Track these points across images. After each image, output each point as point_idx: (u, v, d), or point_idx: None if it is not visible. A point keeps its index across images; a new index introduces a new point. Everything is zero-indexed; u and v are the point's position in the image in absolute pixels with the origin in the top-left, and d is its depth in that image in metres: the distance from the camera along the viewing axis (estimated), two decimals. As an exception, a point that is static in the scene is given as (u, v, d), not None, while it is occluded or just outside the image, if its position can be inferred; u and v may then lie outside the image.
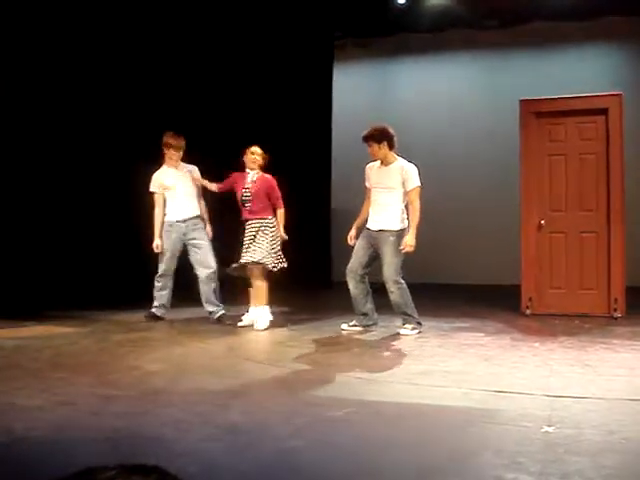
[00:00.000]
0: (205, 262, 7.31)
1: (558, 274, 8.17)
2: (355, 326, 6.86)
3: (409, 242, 6.55)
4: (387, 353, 5.87)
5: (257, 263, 6.93)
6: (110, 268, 8.81)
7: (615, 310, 7.77)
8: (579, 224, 8.11)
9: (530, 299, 8.08)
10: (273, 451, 3.22)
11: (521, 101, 8.33)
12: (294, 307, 7.24)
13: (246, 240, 7.05)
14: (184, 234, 7.41)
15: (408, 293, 6.70)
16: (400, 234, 6.65)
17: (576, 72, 11.16)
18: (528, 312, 8.02)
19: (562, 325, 7.27)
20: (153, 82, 9.28)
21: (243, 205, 7.15)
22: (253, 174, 7.21)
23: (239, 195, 7.17)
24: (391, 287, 6.62)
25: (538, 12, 11.06)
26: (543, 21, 11.36)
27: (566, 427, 3.52)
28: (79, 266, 8.49)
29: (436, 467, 3.04)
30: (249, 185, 7.15)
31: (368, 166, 6.97)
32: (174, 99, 9.34)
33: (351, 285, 6.86)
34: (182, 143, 7.44)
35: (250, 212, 7.12)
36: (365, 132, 6.78)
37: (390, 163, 6.75)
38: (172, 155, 7.44)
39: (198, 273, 7.32)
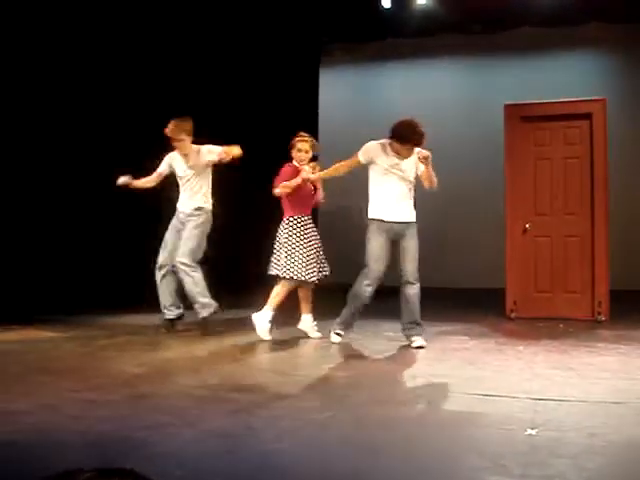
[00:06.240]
0: None
1: (543, 278, 8.22)
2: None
3: None
4: (370, 356, 5.89)
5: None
6: (99, 272, 8.78)
7: (599, 314, 7.83)
8: (564, 228, 8.16)
9: (515, 303, 8.12)
10: (257, 454, 3.23)
11: (506, 106, 8.38)
12: (284, 309, 7.22)
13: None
14: None
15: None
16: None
17: (561, 77, 11.24)
18: (513, 316, 8.06)
19: (546, 329, 7.31)
20: (143, 88, 9.24)
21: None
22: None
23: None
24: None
25: (523, 18, 11.14)
26: (528, 27, 11.44)
27: (549, 430, 3.54)
28: (67, 270, 8.45)
29: (419, 470, 3.05)
30: None
31: None
32: (162, 105, 9.32)
33: None
34: None
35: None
36: None
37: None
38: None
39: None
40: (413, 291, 6.22)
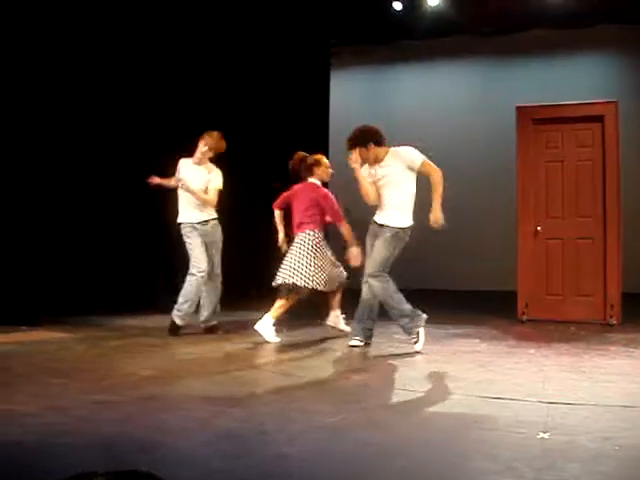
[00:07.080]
0: None
1: (554, 280, 8.18)
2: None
3: None
4: (380, 359, 5.87)
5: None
6: (108, 274, 8.79)
7: (611, 317, 7.78)
8: (575, 230, 8.12)
9: (526, 305, 8.08)
10: (268, 458, 3.21)
11: (518, 108, 8.36)
12: (291, 312, 7.20)
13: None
14: None
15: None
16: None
17: (572, 79, 11.21)
18: (524, 318, 8.03)
19: (558, 331, 7.27)
20: (156, 91, 9.27)
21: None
22: None
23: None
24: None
25: (535, 20, 11.12)
26: (540, 29, 11.42)
27: (561, 433, 3.51)
28: (77, 272, 8.47)
29: (431, 473, 3.03)
30: None
31: None
32: (174, 106, 9.34)
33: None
34: None
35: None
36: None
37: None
38: None
39: None
40: (373, 288, 6.11)
